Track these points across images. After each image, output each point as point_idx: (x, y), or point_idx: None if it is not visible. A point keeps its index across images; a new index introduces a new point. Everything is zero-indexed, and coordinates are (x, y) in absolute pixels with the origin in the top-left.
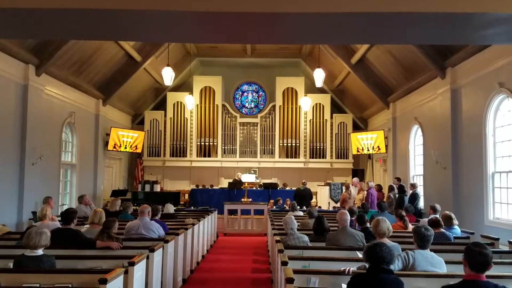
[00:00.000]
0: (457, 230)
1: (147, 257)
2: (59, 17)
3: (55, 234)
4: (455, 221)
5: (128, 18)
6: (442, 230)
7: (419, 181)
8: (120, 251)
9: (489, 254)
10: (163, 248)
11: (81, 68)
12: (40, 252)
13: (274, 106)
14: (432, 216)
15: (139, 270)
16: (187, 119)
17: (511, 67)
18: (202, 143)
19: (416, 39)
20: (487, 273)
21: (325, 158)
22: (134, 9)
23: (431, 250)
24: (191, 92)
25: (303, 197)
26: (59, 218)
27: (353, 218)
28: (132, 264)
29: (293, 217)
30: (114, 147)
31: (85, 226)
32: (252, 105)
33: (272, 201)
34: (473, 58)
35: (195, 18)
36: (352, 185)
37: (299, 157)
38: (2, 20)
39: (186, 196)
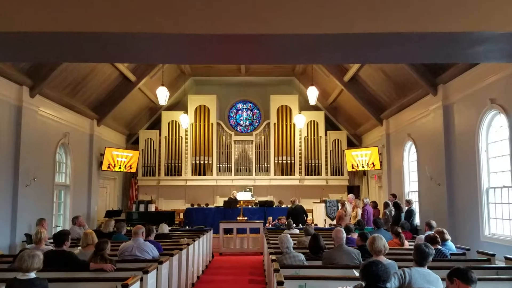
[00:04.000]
0: (450, 245)
1: (141, 279)
2: (51, 40)
3: (47, 257)
4: (447, 236)
5: (120, 41)
6: (439, 246)
7: (414, 198)
8: (114, 273)
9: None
10: (157, 270)
11: (75, 89)
12: (32, 275)
13: (268, 124)
14: (428, 232)
15: None
16: (182, 138)
17: (502, 83)
18: (197, 162)
19: (405, 59)
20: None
21: (321, 175)
22: (127, 32)
23: (427, 267)
24: (186, 111)
25: (297, 214)
26: (50, 241)
27: (349, 236)
28: (126, 286)
29: (288, 236)
30: (109, 167)
31: (78, 248)
32: (247, 123)
33: (270, 218)
34: (464, 75)
35: (187, 41)
36: (348, 201)
37: (294, 174)
38: None
39: (181, 215)
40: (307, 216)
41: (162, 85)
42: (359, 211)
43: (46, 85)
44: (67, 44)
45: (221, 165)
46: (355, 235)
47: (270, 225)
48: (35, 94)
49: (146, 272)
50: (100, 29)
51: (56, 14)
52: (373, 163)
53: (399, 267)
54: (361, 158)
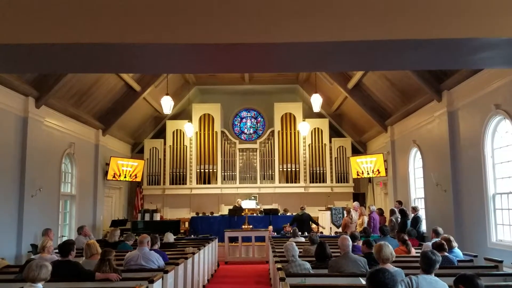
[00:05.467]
0: (457, 252)
1: None
2: (56, 52)
3: (53, 267)
4: (455, 243)
5: (125, 52)
6: (446, 253)
7: (420, 204)
8: (119, 282)
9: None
10: (162, 279)
11: (80, 99)
12: (39, 286)
13: (273, 132)
14: (435, 239)
15: None
16: (186, 147)
17: (506, 89)
18: (202, 170)
19: (409, 66)
20: None
21: (325, 182)
22: (131, 43)
23: (434, 275)
24: (190, 120)
25: (303, 222)
26: (56, 251)
27: (355, 243)
28: None
29: (294, 244)
30: (114, 176)
31: (82, 259)
32: (251, 131)
33: (270, 227)
34: (469, 81)
35: (192, 51)
36: (353, 209)
37: (299, 182)
38: (1, 55)
39: (186, 224)
40: (317, 224)
41: (167, 94)
42: (366, 219)
43: (52, 95)
44: (72, 55)
45: (225, 174)
46: (361, 243)
47: (270, 234)
48: (41, 105)
49: (151, 281)
50: (105, 40)
51: (60, 26)
52: (378, 170)
53: (406, 275)
54: (366, 165)
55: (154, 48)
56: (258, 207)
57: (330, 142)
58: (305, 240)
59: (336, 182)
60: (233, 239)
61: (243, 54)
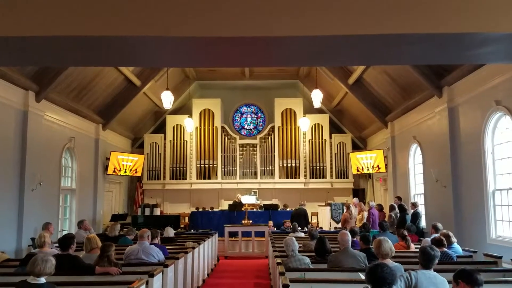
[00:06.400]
0: (457, 248)
1: (147, 283)
2: (55, 44)
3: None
4: (454, 239)
5: (125, 45)
6: (445, 249)
7: (420, 200)
8: (119, 276)
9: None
10: (162, 273)
11: (81, 94)
12: (42, 280)
13: (273, 127)
14: (434, 235)
15: None
16: (186, 142)
17: (507, 85)
18: (202, 165)
19: (411, 60)
20: None
21: (325, 178)
22: (132, 35)
23: (434, 270)
24: (190, 115)
25: (299, 216)
26: (56, 245)
27: (355, 239)
28: None
29: (294, 239)
30: (114, 171)
31: (82, 253)
32: (251, 127)
33: (271, 222)
34: (469, 77)
35: (193, 44)
36: (352, 205)
37: (299, 178)
38: (2, 48)
39: (186, 219)
40: (307, 222)
41: (167, 89)
42: (365, 214)
43: (52, 90)
44: (71, 48)
45: (225, 169)
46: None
47: (270, 229)
48: (41, 99)
49: (151, 275)
50: (105, 32)
51: (60, 18)
52: (378, 165)
53: (405, 270)
54: (366, 161)
55: (153, 41)
56: (258, 202)
57: (330, 137)
58: (305, 235)
59: (336, 178)
60: (233, 234)
61: (243, 48)
